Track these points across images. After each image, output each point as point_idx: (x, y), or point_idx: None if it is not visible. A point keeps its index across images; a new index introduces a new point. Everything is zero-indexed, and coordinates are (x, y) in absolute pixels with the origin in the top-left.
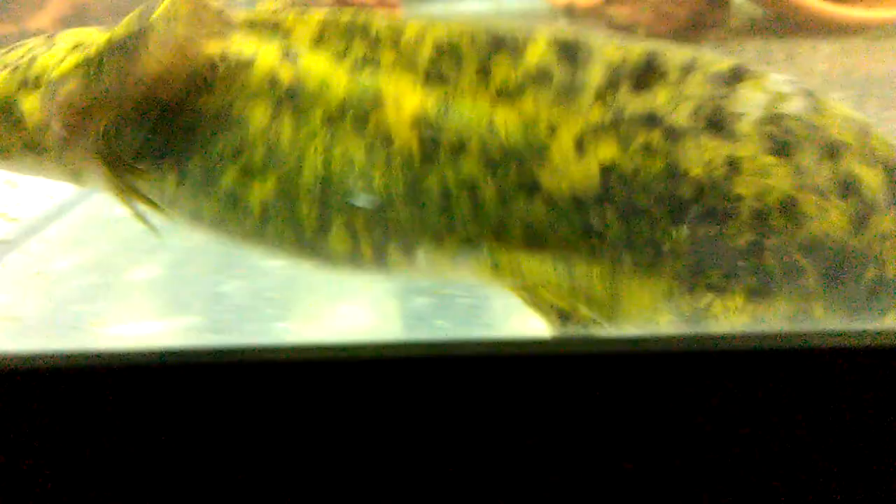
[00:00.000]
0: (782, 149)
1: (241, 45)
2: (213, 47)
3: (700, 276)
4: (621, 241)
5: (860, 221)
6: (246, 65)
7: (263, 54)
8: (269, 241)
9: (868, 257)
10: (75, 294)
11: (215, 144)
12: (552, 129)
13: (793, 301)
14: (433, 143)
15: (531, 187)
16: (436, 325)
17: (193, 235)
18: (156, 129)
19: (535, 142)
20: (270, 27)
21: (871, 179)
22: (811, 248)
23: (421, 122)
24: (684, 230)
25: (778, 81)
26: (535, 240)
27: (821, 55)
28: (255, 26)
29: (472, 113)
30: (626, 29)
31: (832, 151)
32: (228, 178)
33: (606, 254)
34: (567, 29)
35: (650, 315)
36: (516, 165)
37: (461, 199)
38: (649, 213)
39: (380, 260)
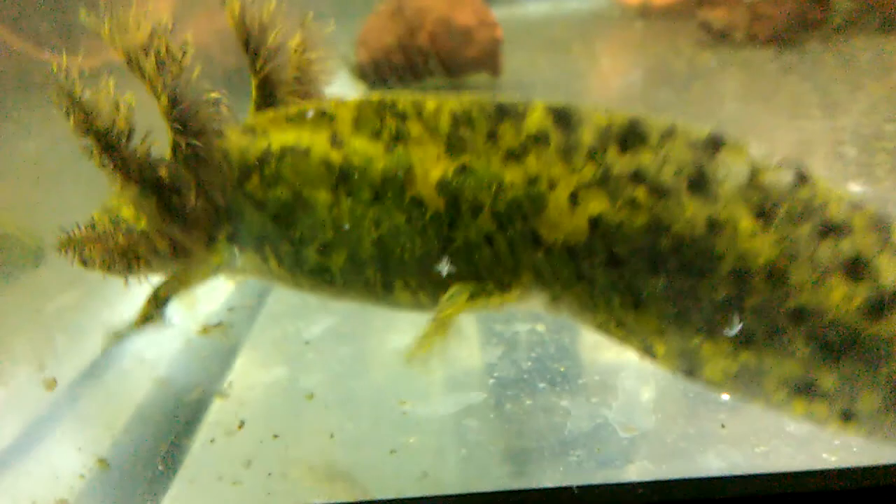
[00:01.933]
0: (767, 216)
1: (295, 137)
2: (257, 147)
3: (684, 319)
4: (608, 286)
5: (878, 309)
6: (303, 154)
7: (315, 143)
8: (354, 299)
9: (883, 349)
10: (343, 367)
11: (295, 229)
12: (551, 186)
13: (787, 363)
14: (456, 205)
15: (534, 238)
16: None
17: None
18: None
19: (536, 198)
20: (316, 117)
21: (891, 270)
22: (801, 317)
23: (445, 187)
24: (662, 280)
25: (759, 153)
26: (542, 282)
27: None
28: (302, 118)
29: (485, 174)
30: (722, 32)
31: (832, 230)
32: (312, 258)
33: (599, 297)
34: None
35: (650, 344)
36: (521, 220)
37: (482, 252)
38: (630, 262)
39: (436, 305)
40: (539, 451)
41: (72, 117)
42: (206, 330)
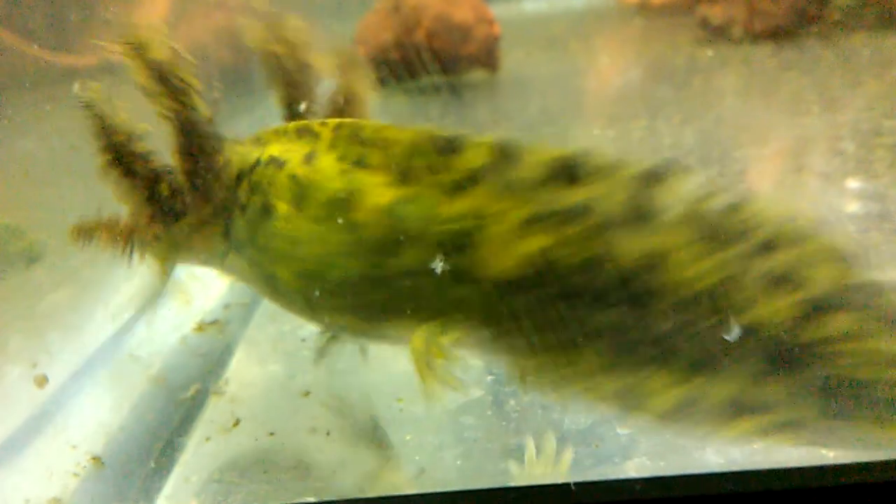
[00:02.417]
0: (711, 241)
1: (283, 149)
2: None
3: (633, 352)
4: (547, 323)
5: (811, 314)
6: (280, 166)
7: (294, 157)
8: (298, 313)
9: (817, 353)
10: (339, 364)
11: (260, 236)
12: (493, 220)
13: (733, 381)
14: (396, 234)
15: (470, 274)
16: None
17: None
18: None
19: (477, 231)
20: (305, 133)
21: (820, 277)
22: (746, 334)
23: (388, 215)
24: (609, 313)
25: (699, 180)
26: (480, 319)
27: None
28: (297, 133)
29: (427, 205)
30: (720, 28)
31: (770, 246)
32: (267, 267)
33: (540, 334)
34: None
35: (594, 385)
36: (460, 253)
37: (418, 282)
38: (573, 297)
39: (378, 333)
40: (537, 448)
41: (100, 138)
42: (201, 327)
